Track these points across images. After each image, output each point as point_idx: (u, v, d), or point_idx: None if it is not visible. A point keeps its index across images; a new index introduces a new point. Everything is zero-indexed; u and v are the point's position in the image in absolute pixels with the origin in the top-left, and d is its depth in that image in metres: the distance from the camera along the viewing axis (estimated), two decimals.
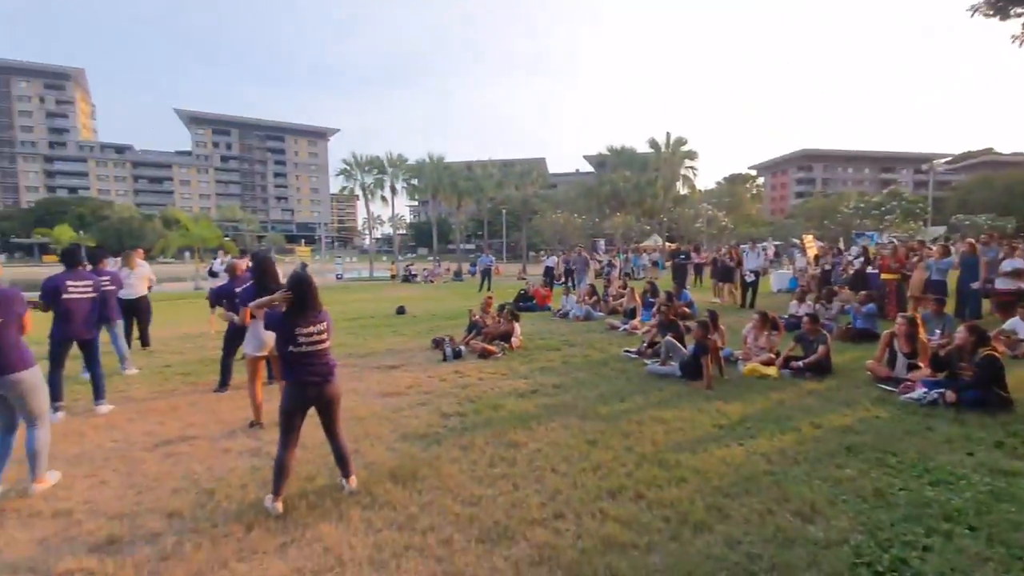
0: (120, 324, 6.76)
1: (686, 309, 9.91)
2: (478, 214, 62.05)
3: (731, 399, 5.11)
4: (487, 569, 2.53)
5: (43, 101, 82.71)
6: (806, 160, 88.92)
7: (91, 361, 5.14)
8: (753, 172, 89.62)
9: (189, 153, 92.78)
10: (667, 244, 38.06)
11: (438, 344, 7.90)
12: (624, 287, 11.80)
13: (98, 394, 5.13)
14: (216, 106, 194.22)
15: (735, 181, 76.72)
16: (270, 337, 3.97)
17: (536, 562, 2.59)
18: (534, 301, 13.30)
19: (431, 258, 60.87)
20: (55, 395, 4.73)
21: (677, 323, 7.02)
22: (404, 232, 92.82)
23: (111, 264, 8.10)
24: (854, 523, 2.84)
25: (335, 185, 63.17)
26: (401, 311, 12.90)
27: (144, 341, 8.26)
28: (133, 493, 3.41)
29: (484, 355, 7.32)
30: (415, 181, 49.53)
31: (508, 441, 4.16)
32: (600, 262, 23.10)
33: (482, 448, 4.03)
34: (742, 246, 14.37)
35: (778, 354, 6.35)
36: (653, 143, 46.07)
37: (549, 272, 20.39)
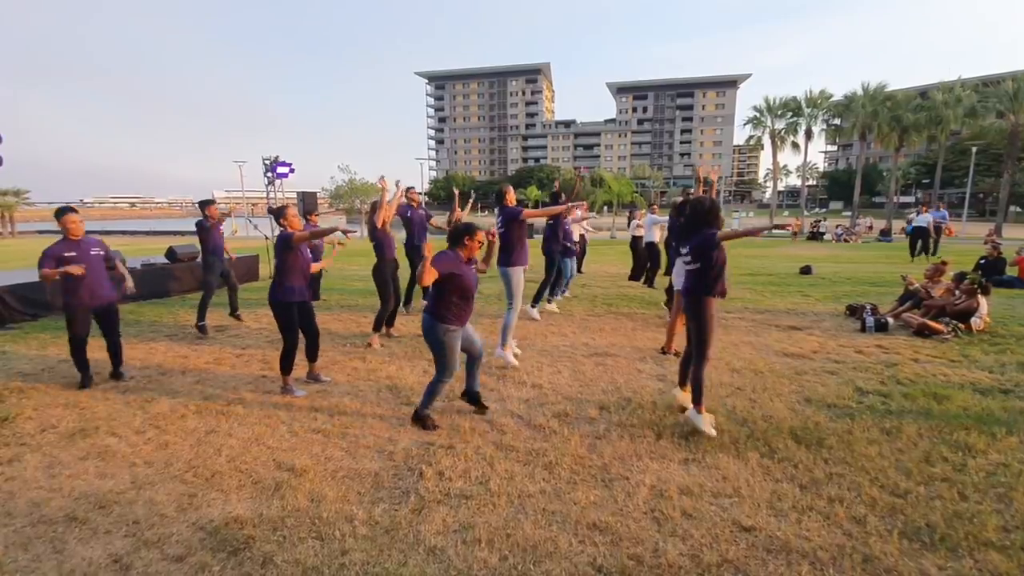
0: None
1: None
2: (927, 155, 46.94)
3: None
4: (915, 570, 2.22)
5: (523, 93, 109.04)
6: None
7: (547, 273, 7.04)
8: None
9: (614, 120, 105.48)
10: None
11: (854, 311, 6.87)
12: None
13: (535, 301, 6.96)
14: (642, 74, 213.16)
15: None
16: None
17: None
18: (1012, 274, 9.56)
19: (846, 213, 50.67)
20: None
21: None
22: (814, 183, 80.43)
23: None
24: None
25: (739, 136, 59.90)
26: (806, 271, 11.59)
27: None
28: (577, 385, 4.53)
29: (924, 333, 5.87)
30: (838, 121, 41.68)
31: (955, 441, 3.35)
32: None
33: (913, 439, 3.39)
34: None
35: None
36: None
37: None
